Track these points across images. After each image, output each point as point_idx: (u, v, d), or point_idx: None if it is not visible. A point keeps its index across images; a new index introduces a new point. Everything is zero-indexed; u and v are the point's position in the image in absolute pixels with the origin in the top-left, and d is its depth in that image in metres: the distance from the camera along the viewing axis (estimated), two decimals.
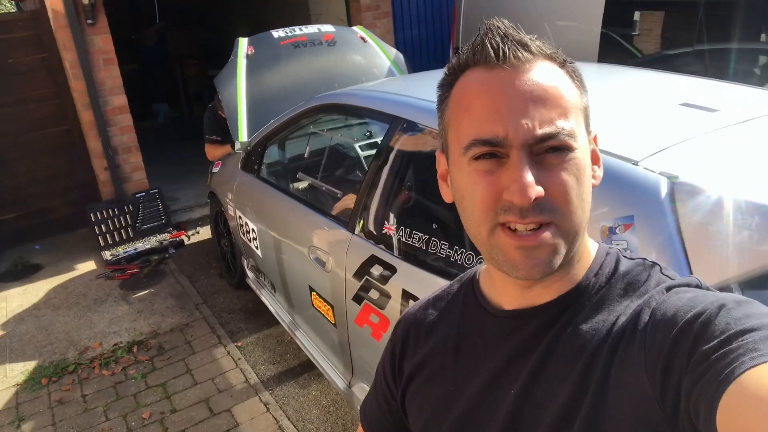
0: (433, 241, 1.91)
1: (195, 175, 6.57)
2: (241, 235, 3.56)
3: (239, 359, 3.34)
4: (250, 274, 3.70)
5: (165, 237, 5.03)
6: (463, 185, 0.65)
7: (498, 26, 0.64)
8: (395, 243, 2.07)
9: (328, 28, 4.46)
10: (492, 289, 0.75)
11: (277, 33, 4.20)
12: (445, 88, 0.69)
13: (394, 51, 4.48)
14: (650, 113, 1.86)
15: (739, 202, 1.29)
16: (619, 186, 1.49)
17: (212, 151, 4.34)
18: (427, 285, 1.82)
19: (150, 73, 9.90)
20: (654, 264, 0.68)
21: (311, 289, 2.59)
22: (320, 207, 2.63)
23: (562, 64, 0.66)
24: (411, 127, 2.11)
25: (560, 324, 0.67)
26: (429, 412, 0.78)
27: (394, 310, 1.97)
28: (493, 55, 0.62)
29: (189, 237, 5.13)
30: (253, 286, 3.64)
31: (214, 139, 4.34)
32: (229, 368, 3.26)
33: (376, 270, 2.09)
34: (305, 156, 3.05)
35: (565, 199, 0.61)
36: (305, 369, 3.21)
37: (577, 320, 0.66)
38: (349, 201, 2.48)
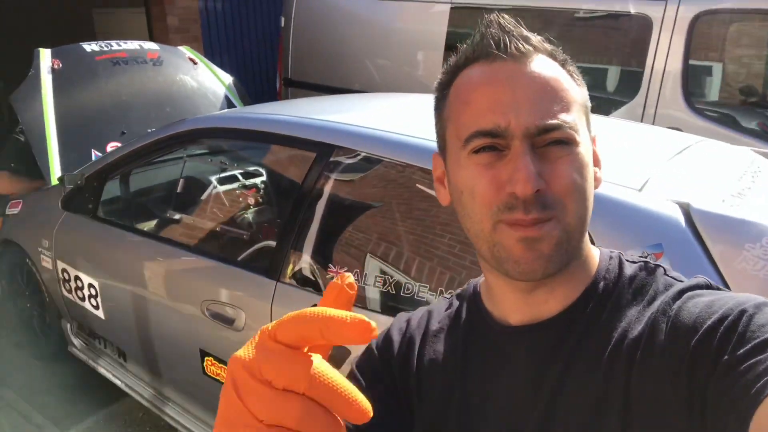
0: (410, 285, 1.67)
1: None
2: (65, 292, 2.81)
3: None
4: (75, 341, 2.94)
5: None
6: (462, 181, 0.62)
7: (498, 20, 0.62)
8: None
9: (151, 45, 3.92)
10: (493, 302, 0.70)
11: (89, 46, 3.59)
12: (443, 86, 0.67)
13: (228, 77, 4.10)
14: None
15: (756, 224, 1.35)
16: (630, 214, 1.46)
17: (10, 184, 3.29)
18: None
19: None
20: (657, 266, 0.67)
21: (204, 354, 2.12)
22: (214, 252, 2.18)
23: (563, 63, 0.64)
24: (350, 154, 1.86)
25: (574, 338, 0.63)
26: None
27: None
28: (494, 46, 0.61)
29: None
30: (83, 356, 2.90)
31: (11, 168, 3.25)
32: None
33: None
34: (179, 191, 2.52)
35: (568, 193, 0.59)
36: None
37: (589, 332, 0.63)
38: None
